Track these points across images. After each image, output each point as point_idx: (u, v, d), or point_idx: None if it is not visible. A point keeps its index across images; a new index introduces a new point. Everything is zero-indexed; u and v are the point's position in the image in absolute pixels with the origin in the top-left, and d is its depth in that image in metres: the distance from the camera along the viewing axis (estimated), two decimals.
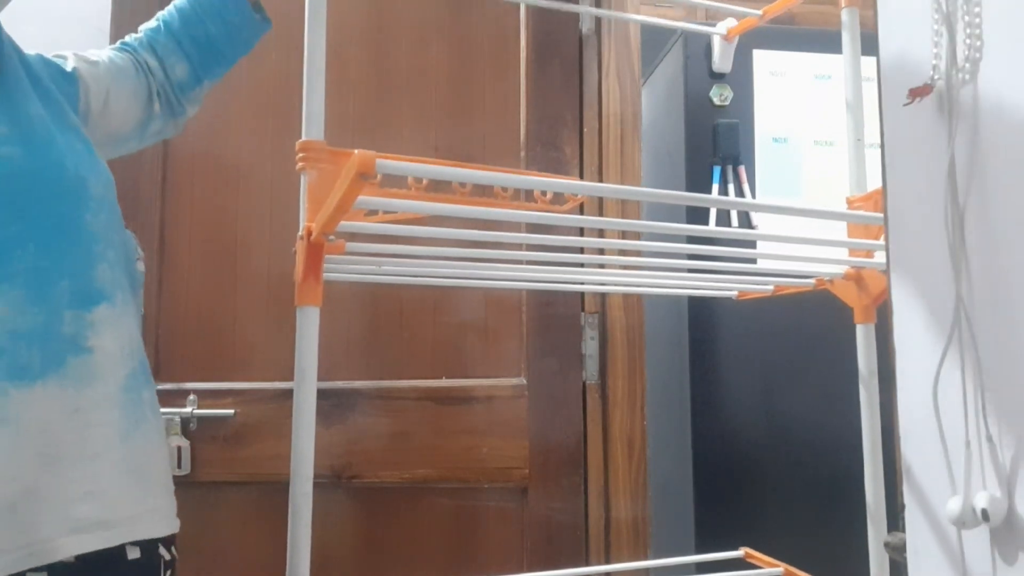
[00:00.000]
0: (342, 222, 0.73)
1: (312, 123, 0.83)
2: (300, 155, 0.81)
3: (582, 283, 1.27)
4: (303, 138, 0.82)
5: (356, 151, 0.62)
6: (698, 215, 1.56)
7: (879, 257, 0.95)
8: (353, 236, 0.86)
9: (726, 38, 1.24)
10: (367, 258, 0.90)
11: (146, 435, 0.82)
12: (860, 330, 1.02)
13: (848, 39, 1.04)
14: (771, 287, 1.07)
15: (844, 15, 1.05)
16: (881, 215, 0.93)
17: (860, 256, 0.96)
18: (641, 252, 1.45)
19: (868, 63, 1.43)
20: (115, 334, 0.78)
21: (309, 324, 0.79)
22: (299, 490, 0.78)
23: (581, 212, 1.50)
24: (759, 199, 1.55)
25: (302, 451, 0.78)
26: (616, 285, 1.25)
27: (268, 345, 1.53)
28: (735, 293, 1.13)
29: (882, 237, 0.95)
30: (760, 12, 1.13)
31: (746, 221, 1.55)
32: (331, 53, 1.60)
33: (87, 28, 1.64)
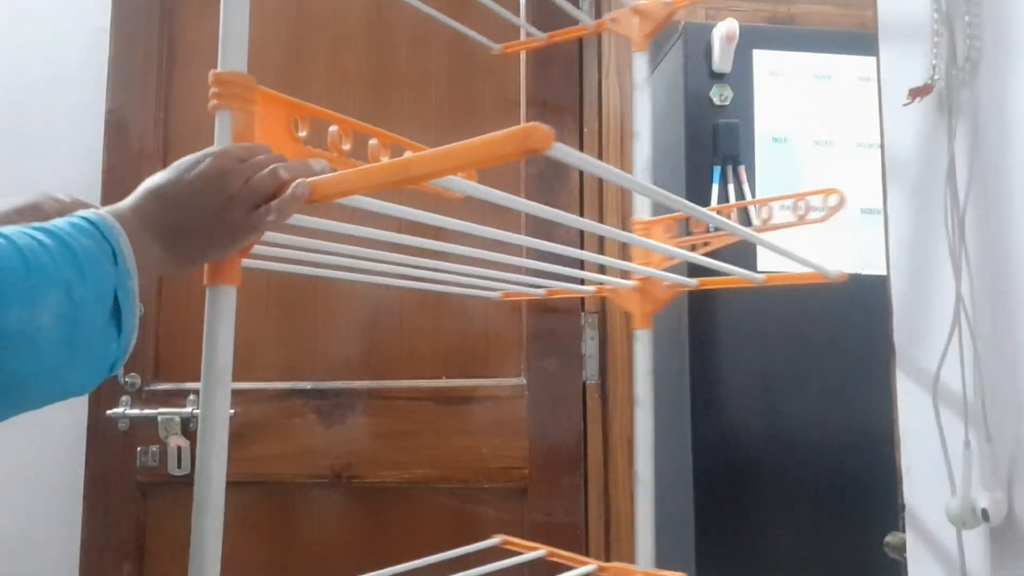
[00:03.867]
0: None
1: (230, 50, 0.62)
2: (213, 90, 0.62)
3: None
4: (218, 68, 0.62)
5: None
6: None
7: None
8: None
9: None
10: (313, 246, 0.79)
11: None
12: (640, 336, 1.02)
13: None
14: (543, 292, 1.06)
15: None
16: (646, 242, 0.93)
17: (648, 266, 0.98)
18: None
19: (868, 63, 1.42)
20: None
21: (225, 306, 0.64)
22: (209, 492, 0.68)
23: (581, 210, 1.50)
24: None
25: (212, 455, 0.69)
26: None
27: (268, 345, 1.53)
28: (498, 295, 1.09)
29: (661, 264, 0.98)
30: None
31: (746, 221, 1.55)
32: (331, 53, 1.61)
33: (87, 28, 1.64)
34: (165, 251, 0.59)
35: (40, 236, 0.52)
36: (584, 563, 1.00)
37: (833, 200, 0.90)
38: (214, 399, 0.67)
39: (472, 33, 1.09)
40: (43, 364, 0.50)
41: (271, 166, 0.59)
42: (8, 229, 0.51)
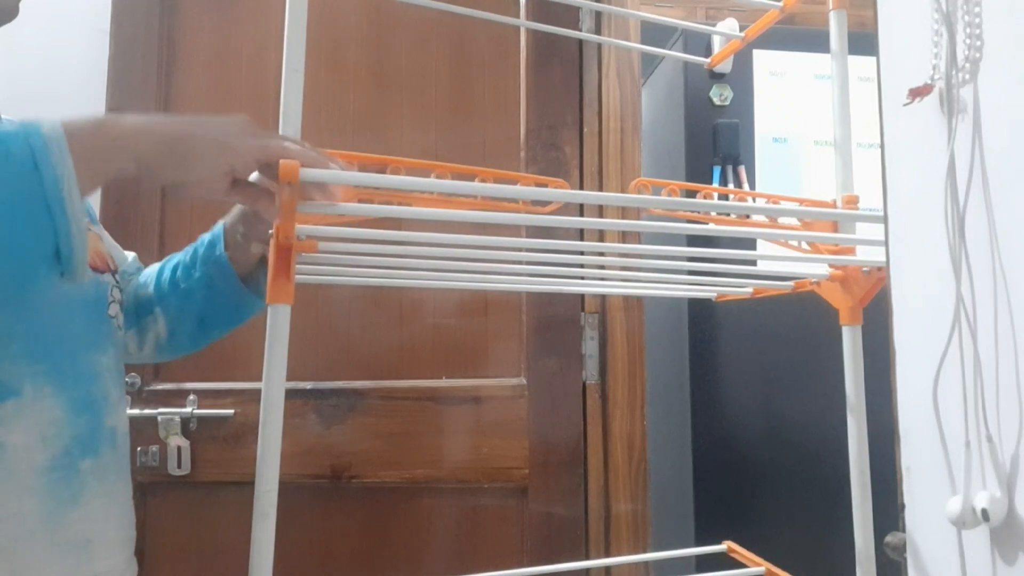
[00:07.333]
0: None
1: (288, 125, 0.85)
2: None
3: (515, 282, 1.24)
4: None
5: (282, 161, 0.62)
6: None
7: (862, 254, 0.93)
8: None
9: (743, 41, 1.17)
10: (349, 257, 0.86)
11: (87, 505, 0.81)
12: (846, 332, 1.00)
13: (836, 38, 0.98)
14: (750, 289, 1.04)
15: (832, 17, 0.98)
16: (848, 212, 0.92)
17: (844, 254, 0.94)
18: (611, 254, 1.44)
19: (868, 63, 1.42)
20: (27, 425, 0.77)
21: (280, 322, 0.77)
22: (264, 488, 0.78)
23: (581, 211, 1.50)
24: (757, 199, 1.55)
25: (269, 453, 0.79)
26: (587, 286, 1.21)
27: None
28: (715, 295, 1.10)
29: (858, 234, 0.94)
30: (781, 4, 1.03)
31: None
32: (331, 53, 1.60)
33: (87, 28, 1.64)
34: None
35: None
36: None
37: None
38: (273, 396, 0.78)
39: None
40: None
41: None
42: None
